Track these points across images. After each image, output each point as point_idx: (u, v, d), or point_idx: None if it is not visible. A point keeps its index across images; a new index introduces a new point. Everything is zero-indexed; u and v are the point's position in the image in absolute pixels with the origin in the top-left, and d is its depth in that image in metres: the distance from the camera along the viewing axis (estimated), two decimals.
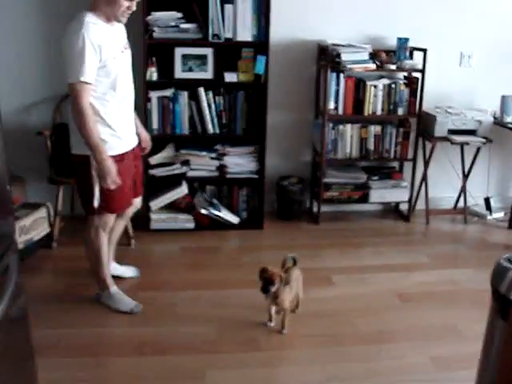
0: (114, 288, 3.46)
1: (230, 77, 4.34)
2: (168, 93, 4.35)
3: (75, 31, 2.86)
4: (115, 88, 3.06)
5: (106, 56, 2.94)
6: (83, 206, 3.27)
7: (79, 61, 2.84)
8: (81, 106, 2.90)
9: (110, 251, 3.57)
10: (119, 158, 3.13)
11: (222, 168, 4.52)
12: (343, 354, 3.06)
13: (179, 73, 4.30)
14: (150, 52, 4.19)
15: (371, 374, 2.89)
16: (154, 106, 4.33)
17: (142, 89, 4.16)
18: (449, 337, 3.25)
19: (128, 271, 3.79)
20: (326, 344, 3.14)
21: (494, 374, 2.19)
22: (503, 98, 4.79)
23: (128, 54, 3.22)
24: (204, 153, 4.47)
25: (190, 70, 4.30)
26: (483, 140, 4.67)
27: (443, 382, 2.85)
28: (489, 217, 5.06)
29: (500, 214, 5.07)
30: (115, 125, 3.10)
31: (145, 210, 4.38)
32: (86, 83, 2.89)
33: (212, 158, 4.49)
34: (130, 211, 3.55)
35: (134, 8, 3.05)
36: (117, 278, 3.61)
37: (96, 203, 3.13)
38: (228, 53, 4.37)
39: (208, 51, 4.29)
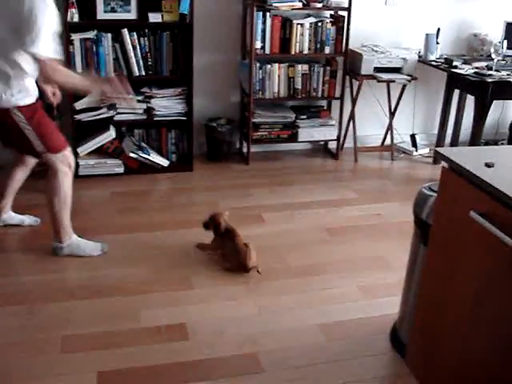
0: (74, 236, 3.40)
1: (154, 17, 4.24)
2: (90, 35, 4.22)
3: None
4: None
5: None
6: (31, 153, 3.23)
7: None
8: None
9: (8, 200, 3.59)
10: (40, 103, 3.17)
11: (149, 111, 4.46)
12: (274, 288, 3.13)
13: (101, 13, 4.18)
14: None
15: (302, 305, 2.97)
16: (76, 49, 4.19)
17: (64, 31, 4.03)
18: (376, 267, 3.36)
19: (27, 219, 3.72)
20: (257, 279, 3.20)
21: (416, 294, 2.30)
22: (427, 36, 4.87)
23: None
24: (131, 96, 4.38)
25: (113, 10, 4.19)
26: (408, 78, 4.76)
27: (371, 308, 2.97)
28: (415, 153, 5.21)
29: (425, 150, 5.22)
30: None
31: (73, 155, 4.31)
32: None
33: (139, 101, 4.41)
34: (33, 161, 3.49)
35: None
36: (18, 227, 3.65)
37: (40, 148, 3.11)
38: None
39: None
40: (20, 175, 3.54)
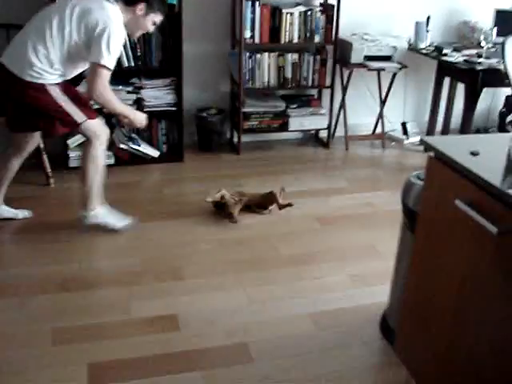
0: (102, 206, 3.45)
1: None
2: None
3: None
4: None
5: None
6: (64, 127, 3.27)
7: None
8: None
9: (2, 192, 3.57)
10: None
11: (139, 101, 4.43)
12: (265, 277, 3.13)
13: None
14: None
15: (292, 294, 2.98)
16: None
17: None
18: (366, 256, 3.37)
19: (20, 213, 3.67)
20: (248, 269, 3.21)
21: (404, 282, 2.31)
22: (417, 24, 4.86)
23: None
24: (120, 87, 4.35)
25: None
26: (398, 66, 4.76)
27: (361, 296, 2.98)
28: (406, 141, 5.21)
29: (416, 139, 5.22)
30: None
31: (63, 147, 4.29)
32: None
33: (128, 92, 4.39)
34: (31, 148, 3.51)
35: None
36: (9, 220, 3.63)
37: (80, 118, 3.20)
38: None
39: None
40: (15, 166, 3.51)
